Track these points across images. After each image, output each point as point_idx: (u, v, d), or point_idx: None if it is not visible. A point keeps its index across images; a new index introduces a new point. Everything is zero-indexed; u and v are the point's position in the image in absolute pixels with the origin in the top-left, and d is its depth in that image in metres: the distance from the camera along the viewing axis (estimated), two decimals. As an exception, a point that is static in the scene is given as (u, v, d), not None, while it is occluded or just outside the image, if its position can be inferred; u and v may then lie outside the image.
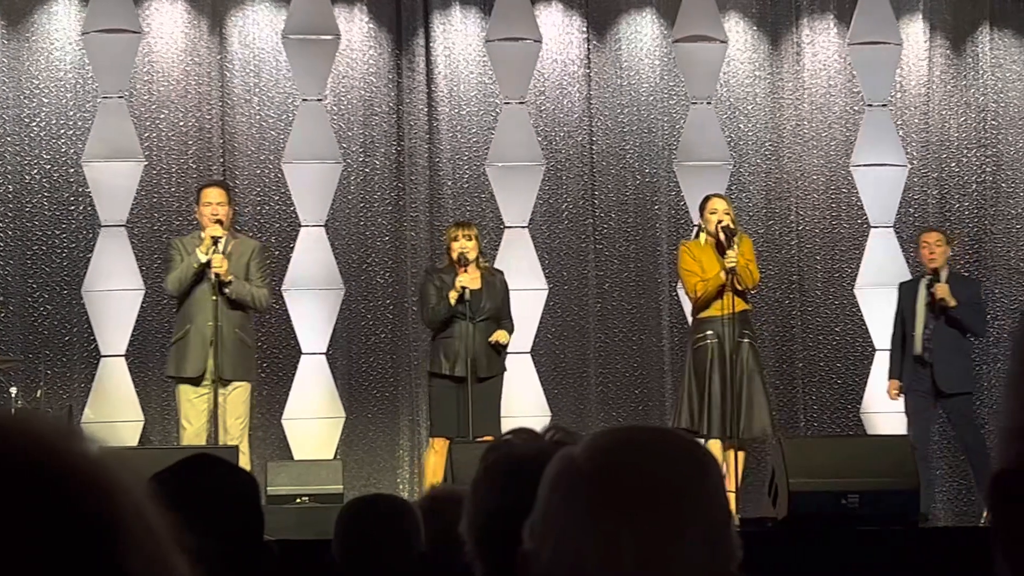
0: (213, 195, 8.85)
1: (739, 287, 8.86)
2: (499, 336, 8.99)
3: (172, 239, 9.10)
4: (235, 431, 8.64)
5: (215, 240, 8.58)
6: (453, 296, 8.88)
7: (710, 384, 8.83)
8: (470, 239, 9.05)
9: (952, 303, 9.31)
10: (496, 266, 10.12)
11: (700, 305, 8.97)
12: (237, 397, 8.72)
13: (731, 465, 8.79)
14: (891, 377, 9.60)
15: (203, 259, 8.59)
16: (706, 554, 1.53)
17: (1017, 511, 1.06)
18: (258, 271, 8.91)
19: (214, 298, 8.62)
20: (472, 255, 9.00)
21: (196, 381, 8.70)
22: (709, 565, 1.53)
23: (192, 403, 8.69)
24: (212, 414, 8.66)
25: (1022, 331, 1.08)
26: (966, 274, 10.31)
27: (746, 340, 8.89)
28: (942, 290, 9.34)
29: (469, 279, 8.89)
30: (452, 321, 8.95)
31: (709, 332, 8.89)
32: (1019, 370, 1.08)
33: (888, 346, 9.82)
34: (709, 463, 1.60)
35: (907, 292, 9.63)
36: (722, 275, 8.81)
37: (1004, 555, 1.08)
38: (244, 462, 8.38)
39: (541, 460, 1.95)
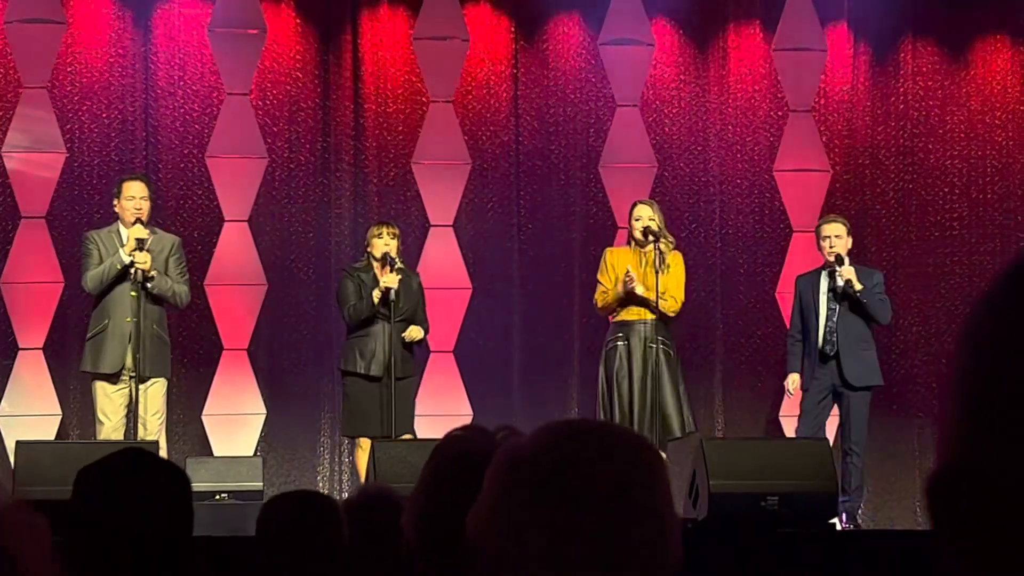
0: (136, 189, 8.76)
1: (664, 313, 8.91)
2: (413, 332, 8.98)
3: (88, 233, 8.95)
4: (153, 426, 8.58)
5: (140, 242, 8.49)
6: (377, 295, 8.85)
7: (619, 387, 8.90)
8: (393, 238, 9.05)
9: (858, 286, 9.17)
10: (421, 264, 10.14)
11: (609, 311, 9.05)
12: (155, 393, 8.65)
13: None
14: (792, 371, 9.40)
15: (127, 260, 8.50)
16: (649, 551, 1.53)
17: (955, 512, 1.06)
18: (176, 267, 8.83)
19: (134, 294, 8.54)
20: (394, 254, 9.00)
21: (113, 377, 8.62)
22: (652, 562, 1.53)
23: (110, 398, 8.61)
24: (130, 409, 8.58)
25: (969, 329, 1.08)
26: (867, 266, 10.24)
27: (656, 346, 8.89)
28: (848, 272, 9.21)
29: (392, 279, 8.87)
30: (371, 321, 8.93)
31: (619, 335, 8.98)
32: (964, 368, 1.08)
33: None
34: (657, 462, 1.60)
35: (807, 284, 9.46)
36: (619, 288, 8.87)
37: (944, 557, 1.08)
38: (164, 456, 8.31)
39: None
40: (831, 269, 9.34)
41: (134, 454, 3.07)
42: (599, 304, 9.09)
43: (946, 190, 11.11)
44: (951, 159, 11.13)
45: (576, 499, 1.51)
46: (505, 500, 1.54)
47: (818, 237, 9.52)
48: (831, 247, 9.33)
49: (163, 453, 8.43)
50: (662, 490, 1.57)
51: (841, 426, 9.32)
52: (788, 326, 9.81)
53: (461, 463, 2.22)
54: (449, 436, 2.44)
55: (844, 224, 9.51)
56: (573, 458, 1.54)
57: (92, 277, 8.65)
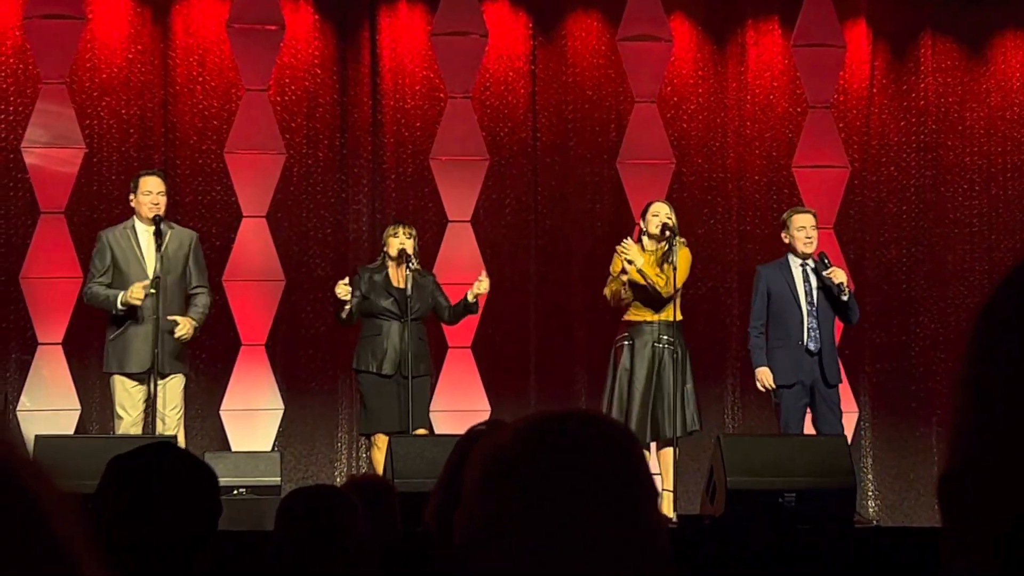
0: (153, 184, 8.73)
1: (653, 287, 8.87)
2: (481, 286, 8.93)
3: (100, 234, 8.83)
4: (172, 421, 8.59)
5: (149, 290, 8.50)
6: (344, 312, 8.80)
7: (621, 386, 8.91)
8: (409, 237, 9.01)
9: (847, 288, 8.97)
10: (438, 260, 10.15)
11: (618, 299, 9.03)
12: (174, 388, 8.65)
13: (663, 464, 8.86)
14: (761, 365, 8.96)
15: (122, 311, 8.49)
16: (626, 544, 1.51)
17: (964, 514, 1.07)
18: (197, 267, 8.79)
19: (153, 291, 8.53)
20: (410, 252, 8.94)
21: (139, 376, 8.60)
22: (639, 550, 1.51)
23: (129, 393, 8.61)
24: (148, 404, 8.58)
25: (974, 332, 1.08)
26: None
27: (662, 346, 8.88)
28: (841, 275, 8.99)
29: (344, 290, 8.76)
30: (381, 320, 8.89)
31: (627, 334, 8.98)
32: (970, 370, 1.09)
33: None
34: (629, 453, 1.57)
35: (775, 276, 9.09)
36: (623, 276, 8.85)
37: (952, 556, 1.08)
38: None
39: None
40: (804, 263, 9.06)
41: (164, 448, 3.08)
42: (608, 294, 9.06)
43: (965, 187, 11.09)
44: (970, 156, 11.10)
45: (547, 495, 1.49)
46: (481, 500, 1.52)
47: (790, 226, 9.11)
48: (807, 238, 9.04)
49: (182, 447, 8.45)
50: (645, 480, 1.55)
51: (822, 424, 8.97)
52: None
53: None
54: (470, 431, 2.45)
55: (816, 217, 9.27)
56: (542, 454, 1.51)
57: (91, 297, 8.67)
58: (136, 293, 8.43)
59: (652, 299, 8.93)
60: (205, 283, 8.89)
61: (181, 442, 8.54)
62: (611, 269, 9.13)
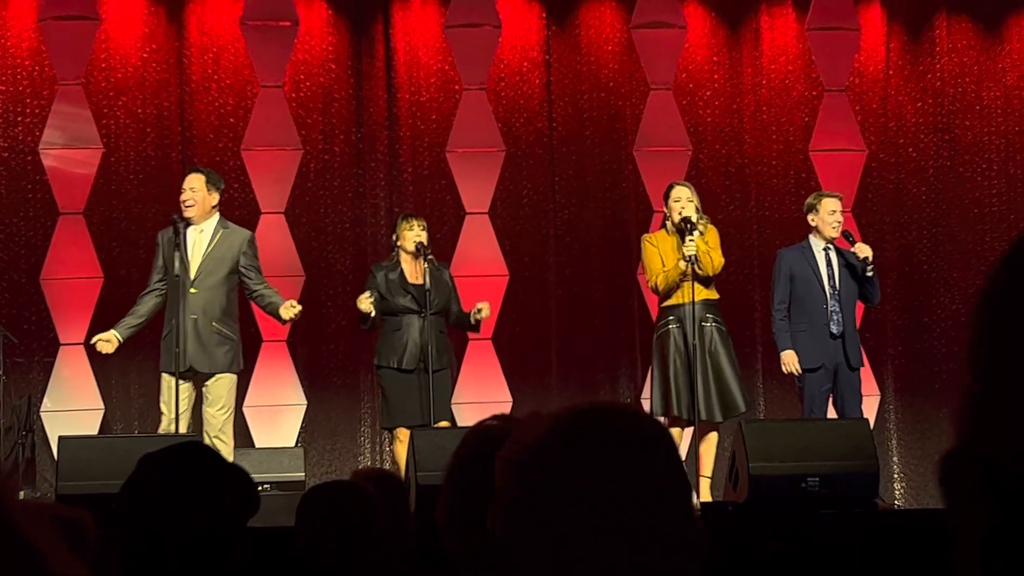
0: (184, 182, 8.64)
1: (700, 273, 8.76)
2: (485, 311, 8.94)
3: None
4: (217, 421, 8.45)
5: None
6: (366, 308, 8.75)
7: (675, 369, 8.78)
8: (424, 229, 8.95)
9: (872, 265, 8.94)
10: (457, 252, 10.15)
11: (663, 295, 8.88)
12: (219, 388, 8.47)
13: (707, 449, 8.78)
14: (787, 348, 8.89)
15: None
16: (660, 537, 1.50)
17: (965, 493, 1.07)
18: (255, 270, 8.63)
19: (194, 291, 8.47)
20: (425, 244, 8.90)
21: (183, 375, 8.53)
22: (674, 545, 1.51)
23: (173, 391, 8.52)
24: (191, 403, 8.51)
25: (980, 310, 1.08)
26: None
27: (709, 324, 8.79)
28: (866, 249, 8.94)
29: (366, 303, 8.73)
30: (401, 316, 8.83)
31: (671, 318, 8.83)
32: (976, 349, 1.09)
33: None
34: (672, 445, 1.57)
35: (798, 258, 9.05)
36: (681, 264, 8.73)
37: (953, 533, 1.08)
38: (227, 452, 8.24)
39: None
40: (827, 247, 9.00)
41: (191, 448, 3.08)
42: (660, 285, 8.81)
43: (984, 166, 11.06)
44: (988, 135, 11.07)
45: (584, 488, 1.47)
46: (508, 501, 1.51)
47: (820, 210, 9.05)
48: (837, 222, 8.99)
49: (228, 447, 8.39)
50: (680, 473, 1.54)
51: (845, 407, 8.94)
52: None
53: (484, 450, 2.22)
54: (478, 425, 2.45)
55: (842, 200, 9.22)
56: (580, 447, 1.49)
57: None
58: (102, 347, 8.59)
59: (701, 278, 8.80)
60: (263, 284, 8.74)
61: (228, 441, 8.44)
62: (649, 264, 8.91)
